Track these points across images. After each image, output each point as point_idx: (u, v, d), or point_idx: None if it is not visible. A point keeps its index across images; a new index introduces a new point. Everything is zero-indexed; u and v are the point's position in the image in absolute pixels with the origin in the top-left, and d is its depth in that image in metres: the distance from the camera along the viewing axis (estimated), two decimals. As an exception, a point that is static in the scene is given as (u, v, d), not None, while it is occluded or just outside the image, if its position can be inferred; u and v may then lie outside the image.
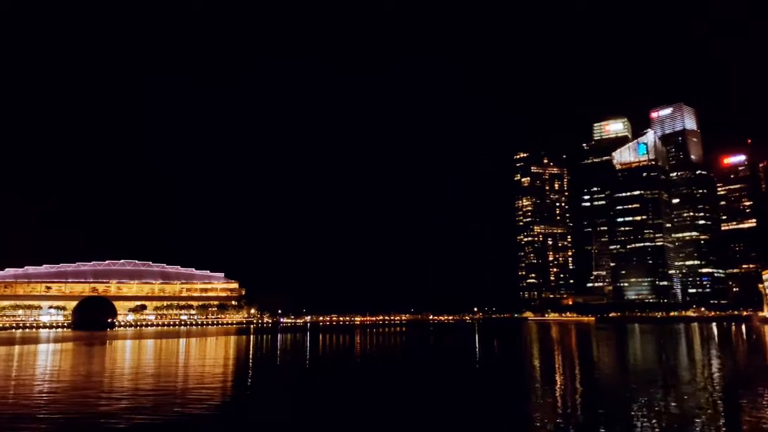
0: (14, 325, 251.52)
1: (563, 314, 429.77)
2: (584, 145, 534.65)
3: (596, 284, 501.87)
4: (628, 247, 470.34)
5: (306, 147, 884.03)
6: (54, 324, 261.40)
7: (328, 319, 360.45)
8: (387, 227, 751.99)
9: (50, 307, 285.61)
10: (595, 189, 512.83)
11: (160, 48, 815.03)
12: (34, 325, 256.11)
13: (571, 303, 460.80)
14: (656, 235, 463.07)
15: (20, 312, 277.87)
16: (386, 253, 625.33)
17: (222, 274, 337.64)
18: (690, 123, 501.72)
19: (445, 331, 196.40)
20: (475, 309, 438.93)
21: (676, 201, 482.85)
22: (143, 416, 33.94)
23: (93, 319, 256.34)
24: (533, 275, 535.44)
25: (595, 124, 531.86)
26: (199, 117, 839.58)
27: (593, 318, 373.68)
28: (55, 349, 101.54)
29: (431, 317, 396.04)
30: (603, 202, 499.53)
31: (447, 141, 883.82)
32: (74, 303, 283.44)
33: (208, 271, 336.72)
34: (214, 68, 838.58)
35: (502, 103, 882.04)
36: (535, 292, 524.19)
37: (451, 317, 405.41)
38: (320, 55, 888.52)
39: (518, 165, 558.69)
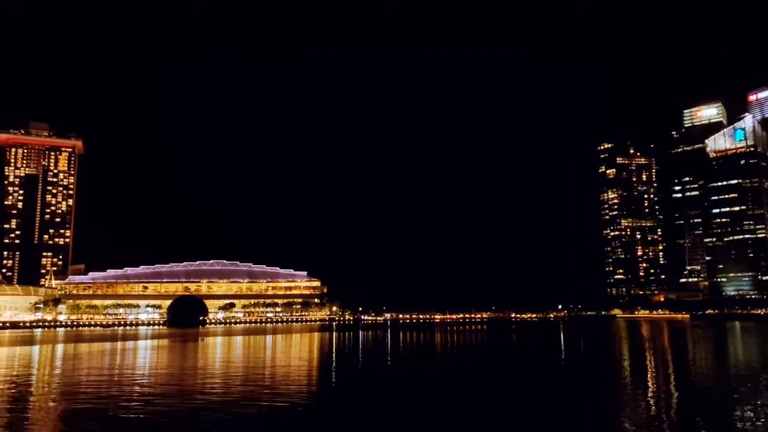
0: (116, 322, 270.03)
1: (654, 311, 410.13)
2: (674, 133, 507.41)
3: (690, 279, 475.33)
4: (726, 239, 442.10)
5: (385, 146, 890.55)
6: (151, 321, 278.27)
7: (407, 316, 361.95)
8: (468, 224, 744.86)
9: (147, 306, 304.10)
10: (687, 179, 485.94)
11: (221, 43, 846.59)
12: (134, 322, 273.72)
13: (662, 299, 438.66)
14: (757, 227, 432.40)
15: (121, 310, 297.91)
16: (466, 250, 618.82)
17: (305, 273, 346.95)
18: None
19: (529, 329, 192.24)
20: (560, 306, 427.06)
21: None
22: (237, 408, 35.35)
23: (186, 316, 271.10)
24: (621, 271, 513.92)
25: (686, 111, 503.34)
26: (282, 114, 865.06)
27: (687, 315, 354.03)
28: (153, 346, 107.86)
29: (513, 315, 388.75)
30: (696, 193, 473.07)
31: (527, 134, 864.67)
32: (169, 302, 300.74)
33: (292, 270, 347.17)
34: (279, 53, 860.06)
35: (583, 93, 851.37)
36: (624, 289, 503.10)
37: (534, 315, 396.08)
38: (393, 38, 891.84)
39: (602, 156, 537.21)
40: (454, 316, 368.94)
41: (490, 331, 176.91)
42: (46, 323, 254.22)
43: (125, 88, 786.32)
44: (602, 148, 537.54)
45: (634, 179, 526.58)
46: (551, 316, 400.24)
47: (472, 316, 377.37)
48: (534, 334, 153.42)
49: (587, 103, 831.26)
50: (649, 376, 53.54)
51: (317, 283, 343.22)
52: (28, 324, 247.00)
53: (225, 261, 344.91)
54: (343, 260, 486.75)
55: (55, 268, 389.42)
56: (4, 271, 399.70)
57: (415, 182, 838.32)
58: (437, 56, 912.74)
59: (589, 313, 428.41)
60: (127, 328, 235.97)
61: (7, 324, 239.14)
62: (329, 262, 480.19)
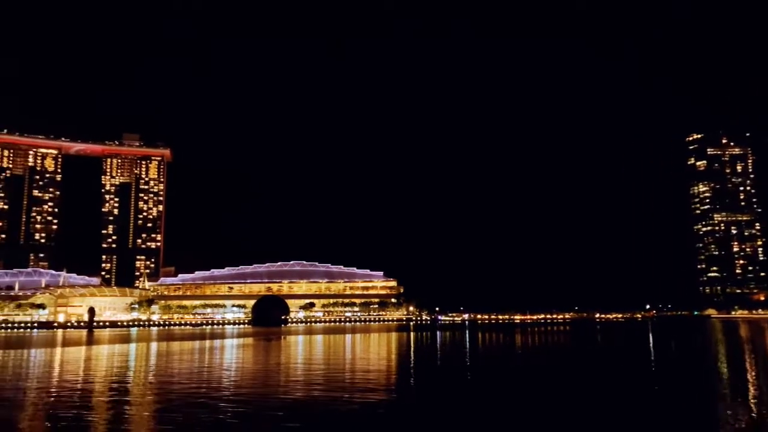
0: (204, 321, 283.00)
1: (754, 311, 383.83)
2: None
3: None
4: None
5: (463, 142, 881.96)
6: (236, 320, 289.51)
7: (486, 317, 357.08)
8: (549, 221, 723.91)
9: (233, 305, 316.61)
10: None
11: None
12: (221, 321, 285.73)
13: (763, 298, 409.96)
14: None
15: (208, 310, 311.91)
16: (548, 248, 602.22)
17: (381, 273, 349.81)
18: None
19: (614, 331, 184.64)
20: (648, 306, 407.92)
21: None
22: (322, 402, 35.99)
23: (269, 316, 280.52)
24: (715, 268, 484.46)
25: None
26: (360, 114, 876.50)
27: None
28: (239, 344, 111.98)
29: (598, 315, 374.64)
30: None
31: (609, 126, 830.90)
32: (253, 301, 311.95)
33: (369, 270, 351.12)
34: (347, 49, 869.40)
35: (669, 81, 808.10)
36: (718, 287, 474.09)
37: (620, 315, 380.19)
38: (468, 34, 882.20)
39: (691, 148, 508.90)
40: (535, 317, 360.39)
41: (574, 332, 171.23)
42: (141, 322, 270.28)
43: (208, 95, 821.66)
44: (691, 139, 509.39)
45: (728, 170, 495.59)
46: (638, 316, 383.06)
47: (554, 316, 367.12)
48: (620, 335, 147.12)
49: (673, 92, 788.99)
50: (750, 382, 49.87)
51: (393, 283, 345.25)
52: (125, 323, 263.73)
53: (304, 261, 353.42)
54: (420, 260, 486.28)
55: (148, 271, 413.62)
56: (103, 273, 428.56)
57: (494, 179, 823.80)
58: (516, 49, 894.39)
59: (679, 313, 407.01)
60: (215, 327, 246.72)
61: (107, 323, 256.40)
62: (406, 261, 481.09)
